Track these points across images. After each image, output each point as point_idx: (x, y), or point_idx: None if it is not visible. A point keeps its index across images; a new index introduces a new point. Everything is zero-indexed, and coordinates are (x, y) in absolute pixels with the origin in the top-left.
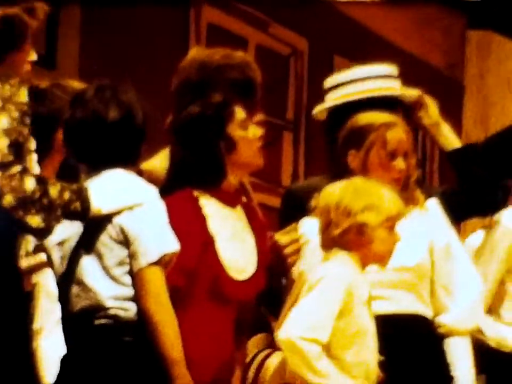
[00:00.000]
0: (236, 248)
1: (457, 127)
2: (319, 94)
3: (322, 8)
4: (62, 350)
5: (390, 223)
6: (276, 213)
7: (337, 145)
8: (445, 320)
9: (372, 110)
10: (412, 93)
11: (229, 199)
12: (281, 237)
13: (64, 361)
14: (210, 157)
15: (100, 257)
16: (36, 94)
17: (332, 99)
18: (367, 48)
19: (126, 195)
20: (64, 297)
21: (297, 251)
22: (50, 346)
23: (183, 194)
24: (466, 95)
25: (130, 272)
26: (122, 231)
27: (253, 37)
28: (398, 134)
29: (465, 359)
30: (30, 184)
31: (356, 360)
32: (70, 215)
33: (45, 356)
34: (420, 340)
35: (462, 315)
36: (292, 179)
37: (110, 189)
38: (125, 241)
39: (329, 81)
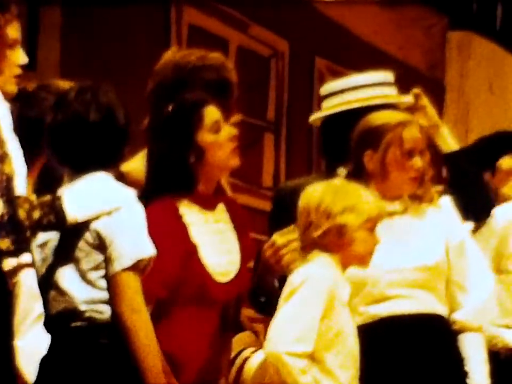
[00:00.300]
0: (219, 251)
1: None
2: (299, 95)
3: (302, 9)
4: (41, 349)
5: (370, 224)
6: (257, 214)
7: (351, 146)
8: (458, 317)
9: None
10: (409, 99)
11: (207, 203)
12: (279, 238)
13: (43, 362)
14: (179, 167)
15: (76, 261)
16: (23, 97)
17: (330, 106)
18: (348, 50)
19: (103, 200)
20: (43, 301)
21: (295, 251)
22: (27, 345)
23: (163, 204)
24: (447, 95)
25: (106, 276)
26: (98, 236)
27: (233, 38)
28: (414, 132)
29: (479, 355)
30: None
31: (337, 362)
32: (45, 228)
33: (22, 355)
34: (439, 339)
35: (475, 311)
36: (273, 180)
37: (86, 195)
38: (101, 246)
39: (325, 89)
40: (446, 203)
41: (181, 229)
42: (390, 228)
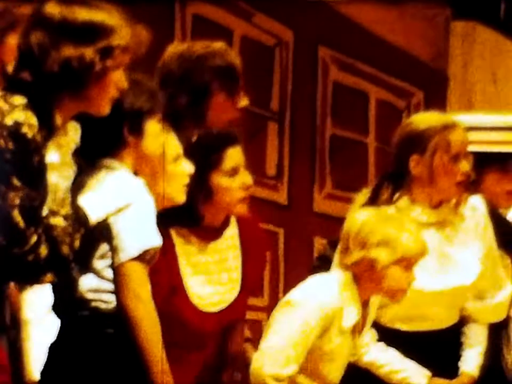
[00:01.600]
0: (210, 281)
1: None
2: (303, 84)
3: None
4: (51, 338)
5: (406, 262)
6: (261, 204)
7: (393, 150)
8: (471, 306)
9: None
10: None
11: (208, 235)
12: None
13: (50, 349)
14: (186, 203)
15: (83, 250)
16: None
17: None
18: (351, 39)
19: (117, 197)
20: (52, 289)
21: None
22: (41, 335)
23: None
24: (451, 85)
25: (112, 266)
26: (105, 226)
27: (237, 28)
28: (460, 135)
29: (479, 345)
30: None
31: (320, 373)
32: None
33: (35, 345)
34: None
35: (489, 306)
36: (276, 169)
37: (101, 194)
38: (108, 236)
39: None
40: (479, 203)
41: (171, 262)
42: (431, 241)
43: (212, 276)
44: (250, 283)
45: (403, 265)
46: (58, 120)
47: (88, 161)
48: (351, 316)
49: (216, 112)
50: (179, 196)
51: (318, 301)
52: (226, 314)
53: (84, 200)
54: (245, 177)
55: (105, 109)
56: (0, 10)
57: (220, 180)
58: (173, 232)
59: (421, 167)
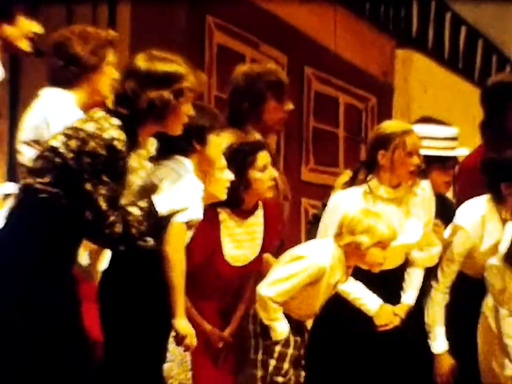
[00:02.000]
0: (239, 247)
1: (389, 117)
2: (294, 93)
3: (294, 32)
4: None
5: (382, 244)
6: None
7: (367, 146)
8: (415, 255)
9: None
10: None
11: (245, 214)
12: None
13: (103, 275)
14: (232, 191)
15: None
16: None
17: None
18: (327, 61)
19: (178, 202)
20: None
21: None
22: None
23: (209, 212)
24: (395, 95)
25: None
26: (169, 218)
27: (248, 54)
28: (413, 138)
29: (418, 283)
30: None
31: (307, 302)
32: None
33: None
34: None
35: (426, 256)
36: (275, 151)
37: (168, 197)
38: (168, 220)
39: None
40: (426, 185)
41: (214, 231)
42: (392, 212)
43: (242, 243)
44: (267, 247)
45: (380, 246)
46: (141, 138)
47: (165, 158)
48: (337, 275)
49: (269, 114)
50: (221, 195)
51: (317, 259)
52: (247, 267)
53: (157, 198)
54: (271, 172)
55: (178, 130)
56: (86, 35)
57: (255, 175)
58: (220, 211)
59: (385, 159)
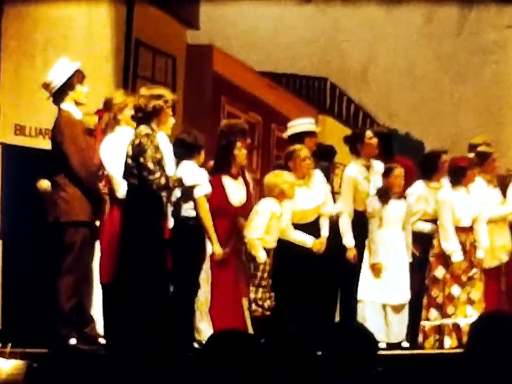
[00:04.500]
0: (238, 193)
1: None
2: (270, 137)
3: (265, 107)
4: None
5: (290, 190)
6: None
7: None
8: (324, 210)
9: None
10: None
11: (236, 175)
12: None
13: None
14: (227, 163)
15: (182, 195)
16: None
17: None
18: (276, 118)
19: (195, 179)
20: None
21: None
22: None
23: (216, 178)
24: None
25: (194, 199)
26: (191, 188)
27: (242, 117)
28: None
29: (326, 225)
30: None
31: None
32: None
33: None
34: None
35: (330, 211)
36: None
37: (189, 176)
38: (192, 190)
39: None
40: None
41: (221, 188)
42: (305, 189)
43: (238, 192)
44: (251, 193)
45: (289, 191)
46: (155, 129)
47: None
48: (278, 210)
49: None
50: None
51: (267, 207)
52: (244, 206)
53: (184, 175)
54: (244, 151)
55: (167, 122)
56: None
57: (237, 151)
58: (222, 177)
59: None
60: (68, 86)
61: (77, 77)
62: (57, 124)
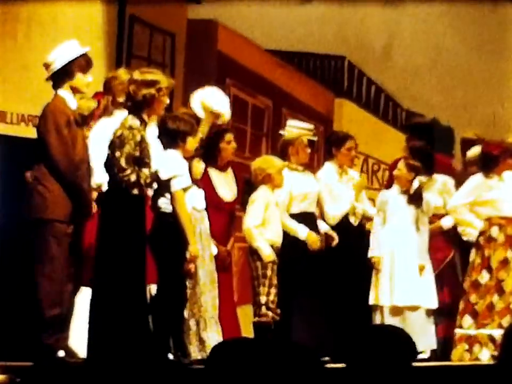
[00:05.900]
0: (226, 188)
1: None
2: (281, 124)
3: (275, 90)
4: None
5: (279, 176)
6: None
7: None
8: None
9: None
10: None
11: (221, 168)
12: None
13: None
14: (213, 155)
15: (158, 189)
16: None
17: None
18: (290, 102)
19: (171, 171)
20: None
21: None
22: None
23: (204, 172)
24: (334, 125)
25: (171, 193)
26: (167, 181)
27: (250, 101)
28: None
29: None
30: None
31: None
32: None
33: None
34: None
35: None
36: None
37: (165, 168)
38: (168, 183)
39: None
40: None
41: (208, 180)
42: (299, 176)
43: (227, 185)
44: (239, 192)
45: (279, 177)
46: (146, 120)
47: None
48: (273, 200)
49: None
50: (197, 171)
51: (262, 196)
52: (233, 202)
53: (160, 167)
54: (234, 144)
55: (161, 112)
56: None
57: (224, 145)
58: (209, 170)
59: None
60: (66, 72)
61: (79, 65)
62: (44, 110)
